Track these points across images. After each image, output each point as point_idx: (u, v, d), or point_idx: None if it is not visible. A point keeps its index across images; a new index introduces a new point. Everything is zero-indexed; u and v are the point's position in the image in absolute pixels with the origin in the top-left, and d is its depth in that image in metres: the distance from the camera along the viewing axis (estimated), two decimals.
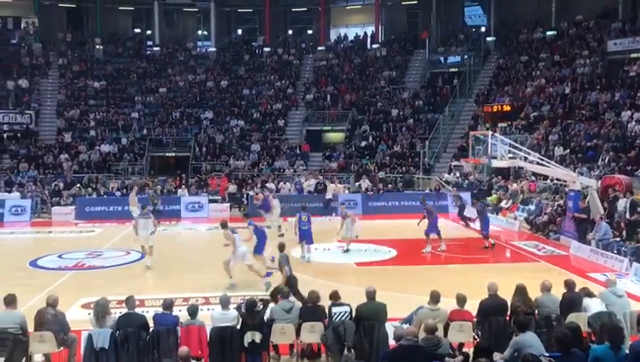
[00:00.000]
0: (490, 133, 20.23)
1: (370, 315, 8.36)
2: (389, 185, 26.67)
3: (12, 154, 30.13)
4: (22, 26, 36.63)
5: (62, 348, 8.18)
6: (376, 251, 17.13)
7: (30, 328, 8.19)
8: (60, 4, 39.24)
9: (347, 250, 16.77)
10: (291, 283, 10.68)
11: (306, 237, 15.79)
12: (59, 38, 38.16)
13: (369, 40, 39.41)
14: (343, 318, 8.44)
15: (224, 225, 13.36)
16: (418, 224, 17.42)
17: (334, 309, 8.54)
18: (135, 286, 12.49)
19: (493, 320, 8.41)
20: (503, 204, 23.08)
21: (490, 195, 24.25)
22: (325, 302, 8.79)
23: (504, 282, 9.36)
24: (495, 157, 18.76)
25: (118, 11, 40.51)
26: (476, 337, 8.48)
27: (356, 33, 40.27)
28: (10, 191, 25.32)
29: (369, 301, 8.58)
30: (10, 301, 8.19)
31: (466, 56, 34.87)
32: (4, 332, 7.90)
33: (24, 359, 7.98)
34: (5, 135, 31.25)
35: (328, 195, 24.61)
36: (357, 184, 27.13)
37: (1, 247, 19.28)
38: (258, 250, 13.70)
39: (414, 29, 39.68)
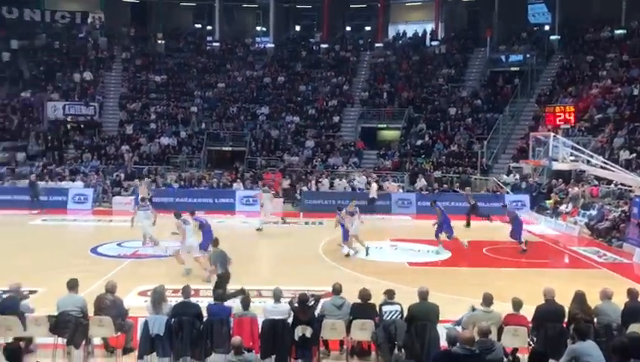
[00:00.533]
0: (551, 134, 19.69)
1: (422, 315, 8.26)
2: (445, 185, 26.27)
3: (76, 144, 31.28)
4: (89, 21, 37.99)
5: (119, 333, 8.45)
6: (430, 251, 16.91)
7: (90, 312, 8.50)
8: (125, 0, 40.46)
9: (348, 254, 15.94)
10: (222, 280, 10.95)
11: (343, 234, 16.14)
12: (123, 33, 39.34)
13: (428, 37, 38.89)
14: (394, 317, 8.37)
15: (177, 215, 13.88)
16: (433, 225, 17.10)
17: (385, 308, 8.49)
18: (190, 276, 12.76)
19: (550, 327, 8.18)
20: (562, 208, 22.37)
21: (549, 198, 23.58)
22: (377, 300, 8.76)
23: (562, 288, 9.09)
24: (556, 160, 18.24)
25: (180, 7, 41.46)
26: (531, 343, 8.25)
27: (415, 30, 39.80)
28: (73, 180, 26.35)
29: (421, 301, 8.48)
30: (73, 285, 8.52)
31: (528, 55, 33.92)
32: (66, 314, 8.21)
33: (84, 341, 8.28)
34: (70, 126, 32.47)
35: (372, 194, 24.44)
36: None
37: (64, 234, 20.07)
38: (202, 245, 13.89)
39: (475, 26, 38.91)
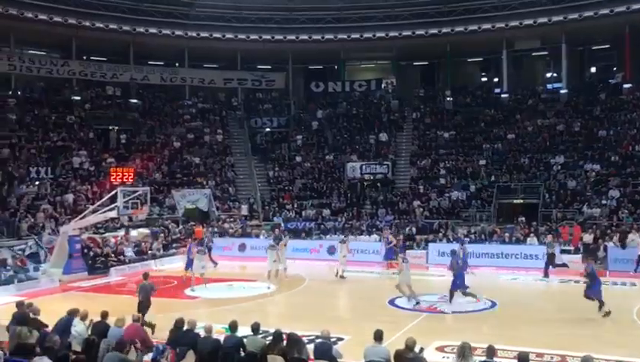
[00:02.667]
0: None
1: None
2: None
3: (372, 200, 33.51)
4: (382, 86, 41.04)
5: None
6: None
7: None
8: (415, 63, 42.76)
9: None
10: (140, 307, 13.11)
11: None
12: (413, 94, 41.46)
13: None
14: None
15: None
16: None
17: None
18: (485, 334, 12.38)
19: None
20: None
21: None
22: None
23: None
24: None
25: (467, 63, 42.17)
26: None
27: None
28: (370, 234, 28.23)
29: None
30: (379, 336, 8.95)
31: None
32: None
33: None
34: (366, 183, 35.02)
35: None
36: None
37: (363, 285, 21.22)
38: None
39: None
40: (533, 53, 40.64)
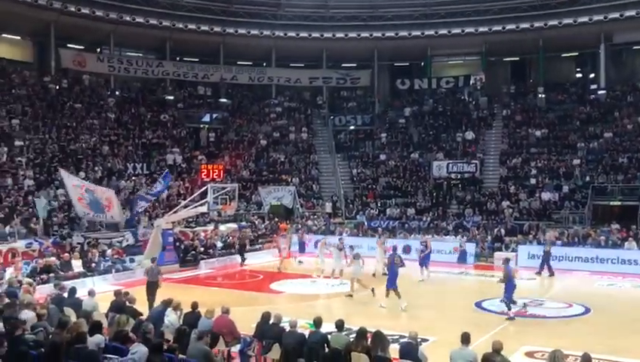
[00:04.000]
0: None
1: None
2: None
3: (459, 200, 32.79)
4: (470, 83, 40.00)
5: None
6: None
7: None
8: (505, 59, 41.43)
9: None
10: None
11: None
12: (502, 91, 40.20)
13: None
14: None
15: None
16: None
17: None
18: (577, 342, 11.82)
19: None
20: None
21: None
22: None
23: None
24: None
25: (561, 58, 40.28)
26: None
27: None
28: (456, 235, 27.68)
29: None
30: (466, 339, 8.76)
31: None
32: None
33: None
34: (453, 183, 34.31)
35: None
36: None
37: (448, 286, 20.93)
38: None
39: None
40: (634, 47, 38.24)
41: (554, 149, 34.16)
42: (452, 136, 37.11)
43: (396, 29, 38.65)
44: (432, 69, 41.78)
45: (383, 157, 37.04)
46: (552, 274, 21.98)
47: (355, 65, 42.47)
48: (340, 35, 39.06)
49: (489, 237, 27.22)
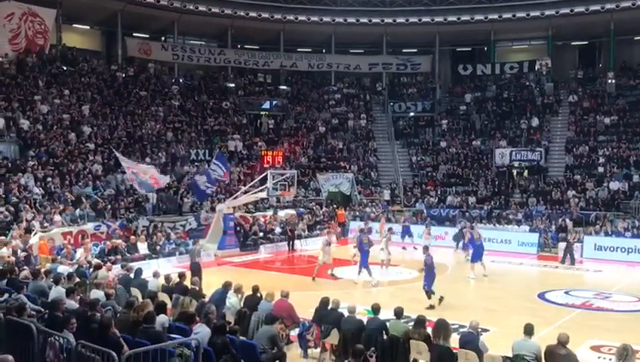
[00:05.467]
0: None
1: None
2: None
3: (522, 189, 31.92)
4: (536, 68, 38.67)
5: None
6: None
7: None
8: (573, 43, 39.88)
9: None
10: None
11: None
12: (570, 76, 38.74)
13: None
14: None
15: None
16: None
17: None
18: None
19: None
20: None
21: None
22: None
23: None
24: None
25: (634, 42, 38.39)
26: None
27: None
28: (519, 224, 26.99)
29: None
30: (529, 330, 8.55)
31: None
32: (520, 358, 8.28)
33: None
34: (516, 171, 33.41)
35: None
36: None
37: (510, 277, 20.44)
38: None
39: None
40: None
41: (624, 137, 32.75)
42: (516, 123, 36.11)
43: (459, 13, 37.76)
44: (495, 54, 40.64)
45: (443, 144, 36.45)
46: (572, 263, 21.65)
47: (415, 50, 41.82)
48: (400, 20, 38.50)
49: (553, 227, 26.40)
